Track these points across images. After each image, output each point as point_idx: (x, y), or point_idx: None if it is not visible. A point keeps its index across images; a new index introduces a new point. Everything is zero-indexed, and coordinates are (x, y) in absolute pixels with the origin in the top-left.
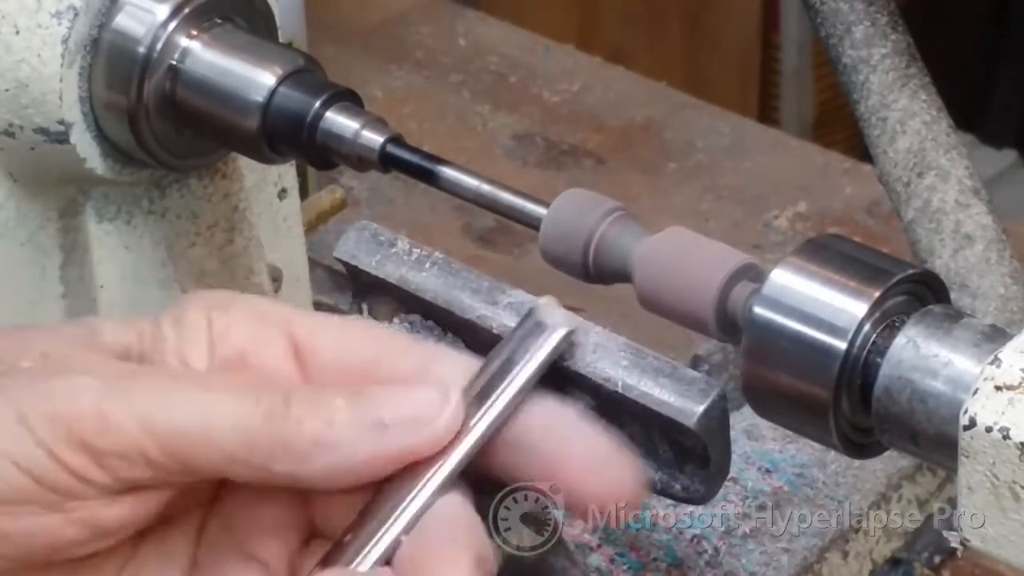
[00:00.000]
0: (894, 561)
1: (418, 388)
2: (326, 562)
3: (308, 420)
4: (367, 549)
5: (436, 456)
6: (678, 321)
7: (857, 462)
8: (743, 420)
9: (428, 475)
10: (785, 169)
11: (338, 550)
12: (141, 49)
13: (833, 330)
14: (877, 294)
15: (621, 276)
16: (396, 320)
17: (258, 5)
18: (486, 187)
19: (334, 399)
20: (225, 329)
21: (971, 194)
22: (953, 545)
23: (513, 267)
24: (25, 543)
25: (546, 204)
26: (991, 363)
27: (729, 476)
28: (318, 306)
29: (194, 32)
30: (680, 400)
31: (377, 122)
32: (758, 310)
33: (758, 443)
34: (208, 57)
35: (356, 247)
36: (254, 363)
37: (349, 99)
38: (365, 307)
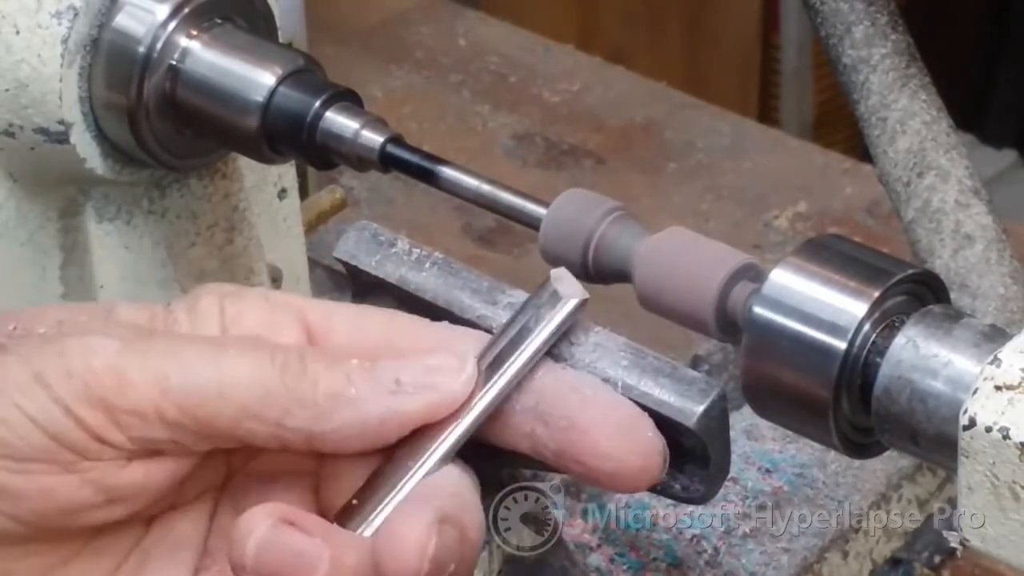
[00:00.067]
0: (894, 561)
1: (434, 354)
2: None
3: (324, 375)
4: (373, 515)
5: (446, 422)
6: (678, 321)
7: (857, 462)
8: (743, 420)
9: (437, 442)
10: (785, 169)
11: (345, 515)
12: (141, 49)
13: (833, 330)
14: (877, 294)
15: (621, 276)
16: None
17: (258, 5)
18: (486, 187)
19: (350, 360)
20: (238, 315)
21: (971, 194)
22: (953, 545)
23: (513, 267)
24: (39, 504)
25: (546, 204)
26: (991, 363)
27: (729, 476)
28: None
29: (194, 32)
30: (680, 400)
31: (377, 122)
32: (758, 310)
33: (758, 443)
34: (208, 57)
35: (356, 247)
36: None
37: (349, 99)
38: None
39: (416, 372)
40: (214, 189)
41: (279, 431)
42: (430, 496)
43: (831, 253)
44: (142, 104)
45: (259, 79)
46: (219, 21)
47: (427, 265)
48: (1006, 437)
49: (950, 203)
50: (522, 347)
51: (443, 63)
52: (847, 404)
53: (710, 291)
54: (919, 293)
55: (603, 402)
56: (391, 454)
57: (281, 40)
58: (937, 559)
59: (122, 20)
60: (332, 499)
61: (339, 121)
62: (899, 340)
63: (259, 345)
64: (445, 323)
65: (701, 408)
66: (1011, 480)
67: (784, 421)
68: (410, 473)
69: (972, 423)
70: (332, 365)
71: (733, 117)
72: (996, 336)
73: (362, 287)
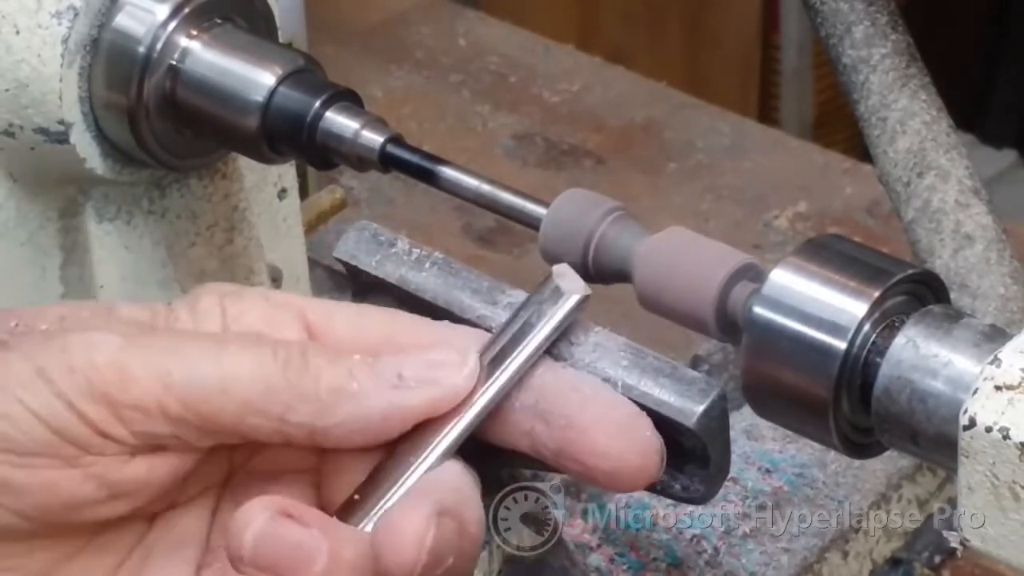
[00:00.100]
0: (894, 561)
1: (436, 349)
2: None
3: (327, 370)
4: (374, 511)
5: (448, 418)
6: (678, 321)
7: (857, 462)
8: (743, 420)
9: (439, 438)
10: (785, 169)
11: (346, 510)
12: (141, 49)
13: (833, 330)
14: (877, 294)
15: (621, 276)
16: None
17: (258, 5)
18: (486, 187)
19: (352, 355)
20: (239, 314)
21: (971, 194)
22: (953, 545)
23: (513, 267)
24: (43, 499)
25: (546, 204)
26: (991, 363)
27: (729, 476)
28: None
29: (194, 32)
30: (680, 400)
31: (377, 122)
32: (758, 310)
33: (758, 443)
34: (208, 57)
35: (356, 247)
36: None
37: (349, 99)
38: None
39: (418, 367)
40: (214, 189)
41: (282, 426)
42: (429, 490)
43: (831, 253)
44: (142, 104)
45: (259, 79)
46: (219, 21)
47: (427, 265)
48: (1006, 437)
49: (950, 203)
50: (524, 342)
51: (443, 63)
52: (847, 404)
53: (710, 291)
54: (919, 293)
55: (602, 401)
56: (392, 450)
57: (281, 40)
58: (937, 559)
59: (122, 20)
60: (333, 496)
61: (339, 121)
62: (899, 340)
63: (261, 341)
64: (446, 322)
65: (701, 408)
66: (1011, 480)
67: (784, 421)
68: (412, 468)
69: (972, 423)
70: (334, 360)
71: (733, 117)
72: (996, 336)
73: (362, 287)
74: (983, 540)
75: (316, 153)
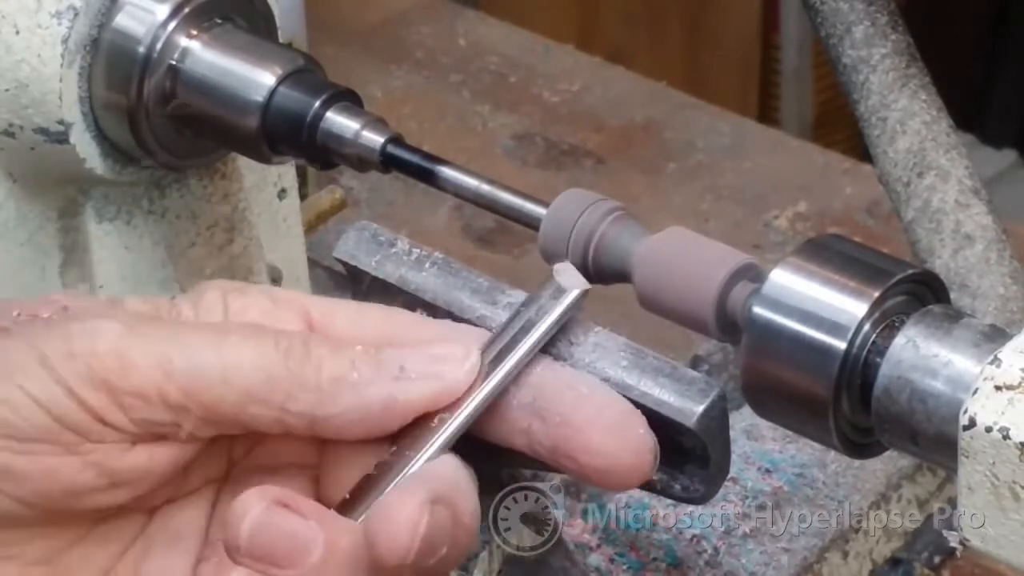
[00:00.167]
0: (894, 561)
1: (439, 343)
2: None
3: (328, 360)
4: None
5: (448, 412)
6: (678, 321)
7: (857, 462)
8: (743, 420)
9: (439, 432)
10: (785, 169)
11: (345, 503)
12: (141, 49)
13: (833, 330)
14: (877, 294)
15: (621, 276)
16: None
17: (258, 5)
18: (486, 187)
19: (354, 346)
20: (242, 310)
21: (971, 194)
22: (953, 545)
23: (513, 267)
24: (43, 485)
25: (546, 204)
26: (991, 363)
27: (729, 476)
28: None
29: (194, 32)
30: (680, 400)
31: (377, 122)
32: (758, 310)
33: (758, 443)
34: (208, 57)
35: (356, 247)
36: None
37: (349, 99)
38: None
39: (420, 360)
40: (214, 189)
41: (282, 415)
42: (424, 479)
43: (831, 253)
44: (142, 104)
45: (259, 79)
46: (219, 21)
47: (427, 265)
48: (1006, 437)
49: (950, 203)
50: (525, 337)
51: (443, 63)
52: (847, 404)
53: (710, 291)
54: (919, 293)
55: (597, 399)
56: (391, 444)
57: (281, 40)
58: (937, 559)
59: (122, 20)
60: (332, 491)
61: (339, 121)
62: (899, 340)
63: (263, 331)
64: (446, 320)
65: (701, 408)
66: (1011, 480)
67: (784, 421)
68: (411, 463)
69: (972, 423)
70: (336, 350)
71: (733, 117)
72: (996, 336)
73: (362, 287)
74: (983, 540)
75: (316, 153)
